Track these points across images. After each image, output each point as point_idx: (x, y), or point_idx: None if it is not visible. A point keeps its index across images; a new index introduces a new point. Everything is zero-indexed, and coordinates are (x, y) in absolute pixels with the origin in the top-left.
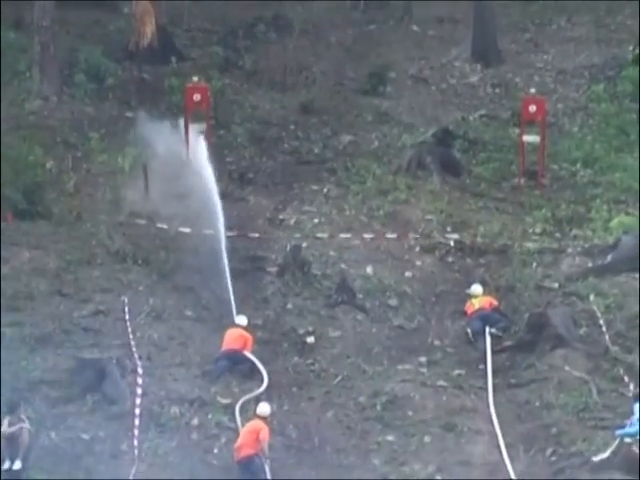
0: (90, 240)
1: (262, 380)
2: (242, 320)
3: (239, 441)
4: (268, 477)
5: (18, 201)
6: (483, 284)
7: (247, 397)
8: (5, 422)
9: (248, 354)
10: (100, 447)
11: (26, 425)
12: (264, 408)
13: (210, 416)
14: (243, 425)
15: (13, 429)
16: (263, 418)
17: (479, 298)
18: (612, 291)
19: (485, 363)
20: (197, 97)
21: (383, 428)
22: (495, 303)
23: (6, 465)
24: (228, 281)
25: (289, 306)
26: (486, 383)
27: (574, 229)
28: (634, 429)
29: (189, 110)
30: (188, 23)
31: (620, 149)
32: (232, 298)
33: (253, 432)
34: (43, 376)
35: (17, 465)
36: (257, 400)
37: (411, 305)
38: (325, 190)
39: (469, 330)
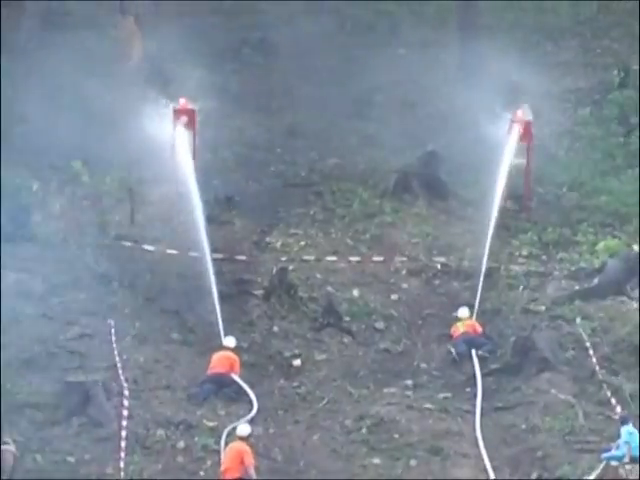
0: (76, 263)
1: (249, 403)
2: (230, 342)
3: (224, 465)
4: None
5: (4, 223)
6: (469, 307)
7: (236, 423)
8: None
9: (235, 377)
10: (86, 470)
11: (10, 448)
12: (244, 429)
13: (196, 439)
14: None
15: None
16: (244, 438)
17: (464, 321)
18: (598, 314)
19: (471, 386)
20: (184, 119)
21: (369, 451)
22: (479, 329)
23: None
24: (214, 304)
25: (275, 329)
26: (474, 406)
27: (560, 252)
28: (620, 453)
29: (176, 132)
30: (174, 45)
31: (606, 173)
32: (219, 321)
33: (237, 456)
34: (28, 399)
35: None
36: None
37: (397, 328)
38: (311, 213)
39: (453, 350)
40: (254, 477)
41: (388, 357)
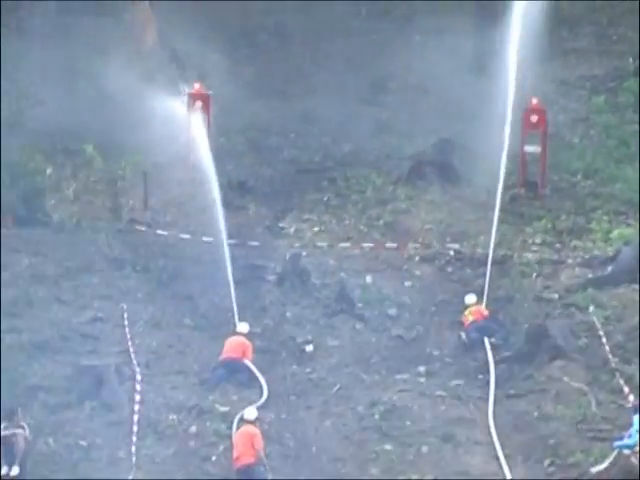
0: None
1: (261, 388)
2: (244, 327)
3: (236, 451)
4: None
5: (18, 207)
6: (481, 295)
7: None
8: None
9: (247, 363)
10: (98, 454)
11: (21, 431)
12: (251, 412)
13: (208, 424)
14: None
15: (7, 433)
16: (251, 422)
17: (470, 308)
18: (611, 302)
19: (484, 373)
20: (198, 104)
21: (381, 438)
22: (485, 312)
23: (4, 471)
24: (227, 289)
25: (288, 315)
26: (487, 393)
27: (574, 240)
28: (633, 441)
29: (190, 116)
30: (189, 30)
31: (620, 160)
32: (234, 306)
33: (248, 440)
34: (41, 382)
35: (14, 471)
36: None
37: (410, 315)
38: (325, 199)
39: (464, 336)
40: (265, 460)
41: (401, 344)
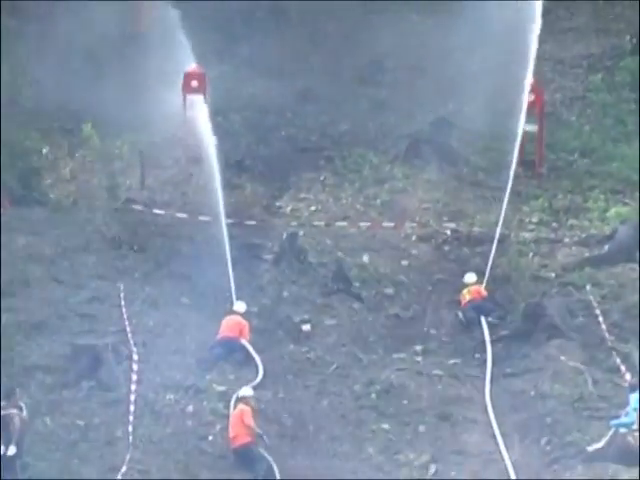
0: (86, 226)
1: (257, 369)
2: (240, 307)
3: (232, 432)
4: (267, 462)
5: (14, 187)
6: (478, 274)
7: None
8: None
9: (244, 342)
10: (95, 434)
11: (17, 411)
12: (245, 391)
13: (205, 403)
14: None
15: (4, 413)
16: (245, 399)
17: (469, 288)
18: (608, 281)
19: (481, 352)
20: (194, 83)
21: (378, 417)
22: (483, 293)
23: (1, 450)
24: (225, 269)
25: (285, 294)
26: (484, 372)
27: (571, 219)
28: (629, 419)
29: (186, 95)
30: (185, 9)
31: (618, 139)
32: (229, 286)
33: (239, 419)
34: (38, 362)
35: (11, 450)
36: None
37: (407, 294)
38: (322, 178)
39: (461, 316)
40: (264, 437)
41: (398, 323)
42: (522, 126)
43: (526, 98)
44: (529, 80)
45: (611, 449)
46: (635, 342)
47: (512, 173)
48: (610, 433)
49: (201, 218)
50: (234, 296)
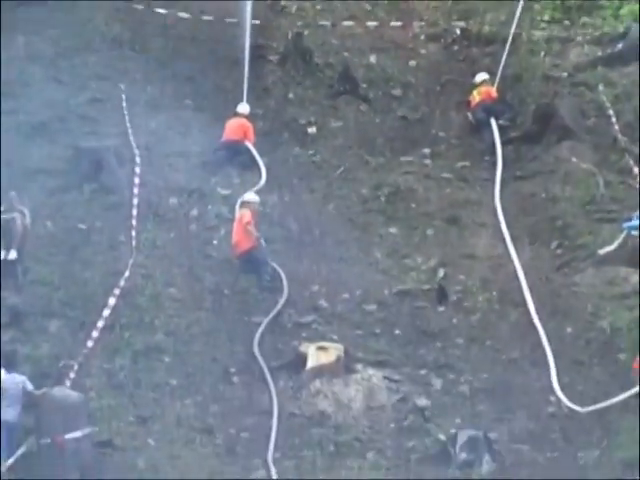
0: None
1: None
2: (244, 108)
3: (235, 237)
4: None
5: None
6: (489, 74)
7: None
8: None
9: (248, 145)
10: (97, 237)
11: (19, 215)
12: (249, 195)
13: (209, 207)
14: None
15: (6, 217)
16: (248, 205)
17: (479, 88)
18: (621, 81)
19: (490, 155)
20: None
21: (385, 221)
22: (494, 94)
23: (2, 255)
24: (228, 70)
25: (290, 96)
26: (493, 175)
27: (583, 17)
28: None
29: None
30: None
31: None
32: (234, 88)
33: (240, 224)
34: (39, 165)
35: (12, 255)
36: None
37: (415, 95)
38: None
39: (470, 117)
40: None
41: (405, 124)
42: None
43: None
44: None
45: (623, 252)
46: None
47: None
48: (622, 235)
49: (204, 17)
50: (245, 97)
